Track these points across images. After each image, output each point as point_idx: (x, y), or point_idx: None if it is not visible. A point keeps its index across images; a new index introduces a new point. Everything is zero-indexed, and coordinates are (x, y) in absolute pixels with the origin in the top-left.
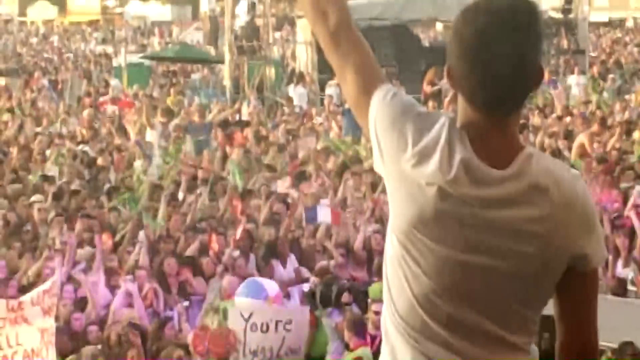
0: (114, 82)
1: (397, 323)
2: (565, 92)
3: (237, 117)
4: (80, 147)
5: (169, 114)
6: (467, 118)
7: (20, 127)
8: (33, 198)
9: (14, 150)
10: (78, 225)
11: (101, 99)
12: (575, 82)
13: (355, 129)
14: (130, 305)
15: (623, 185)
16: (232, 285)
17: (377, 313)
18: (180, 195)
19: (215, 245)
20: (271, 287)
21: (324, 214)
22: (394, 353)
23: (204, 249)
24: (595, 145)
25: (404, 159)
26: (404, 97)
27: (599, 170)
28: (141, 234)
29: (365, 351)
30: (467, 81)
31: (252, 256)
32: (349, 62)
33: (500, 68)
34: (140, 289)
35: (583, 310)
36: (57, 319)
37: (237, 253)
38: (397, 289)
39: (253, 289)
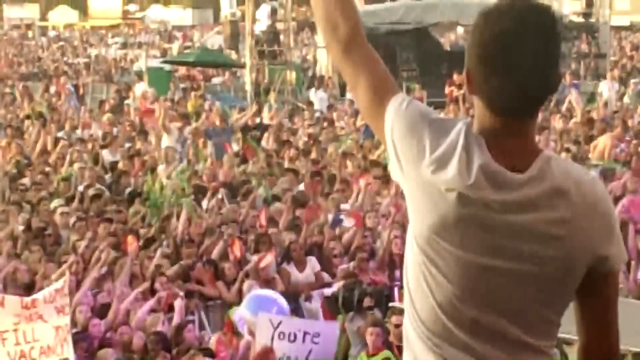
0: (141, 85)
1: (418, 329)
2: (590, 98)
3: (258, 121)
4: (102, 151)
5: (185, 118)
6: (485, 123)
7: (40, 131)
8: (54, 203)
9: (34, 155)
10: (100, 230)
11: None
12: (607, 87)
13: None
14: (154, 311)
15: None
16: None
17: (398, 326)
18: (205, 202)
19: (237, 251)
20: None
21: (347, 222)
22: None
23: (225, 254)
24: (618, 150)
25: (422, 166)
26: (419, 105)
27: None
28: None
29: (388, 353)
30: (486, 85)
31: (272, 261)
32: (361, 74)
33: (521, 73)
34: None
35: (604, 313)
36: (74, 324)
37: (256, 258)
38: (418, 295)
39: (262, 304)
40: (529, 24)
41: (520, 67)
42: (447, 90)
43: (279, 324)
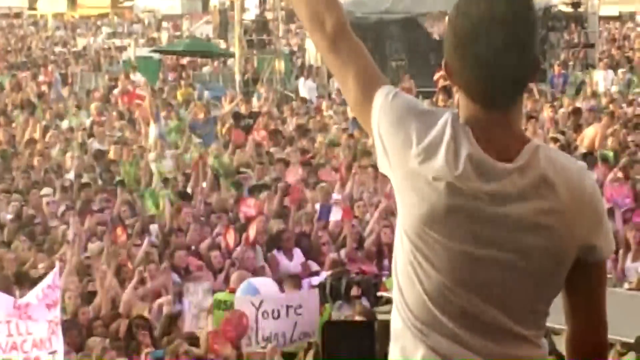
0: (136, 76)
1: (407, 319)
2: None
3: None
4: (90, 140)
5: (169, 106)
6: (469, 113)
7: (27, 121)
8: (43, 191)
9: (22, 144)
10: (89, 219)
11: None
12: (602, 77)
13: None
14: (141, 299)
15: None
16: (241, 279)
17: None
18: (189, 189)
19: (230, 241)
20: (264, 287)
21: (335, 213)
22: (405, 351)
23: (214, 243)
24: (610, 139)
25: (410, 157)
26: (406, 96)
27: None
28: (152, 227)
29: None
30: (462, 76)
31: (259, 249)
32: (348, 68)
33: (495, 59)
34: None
35: (592, 302)
36: (64, 311)
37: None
38: (407, 285)
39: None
40: (498, 11)
41: (490, 55)
42: (435, 77)
43: (261, 303)
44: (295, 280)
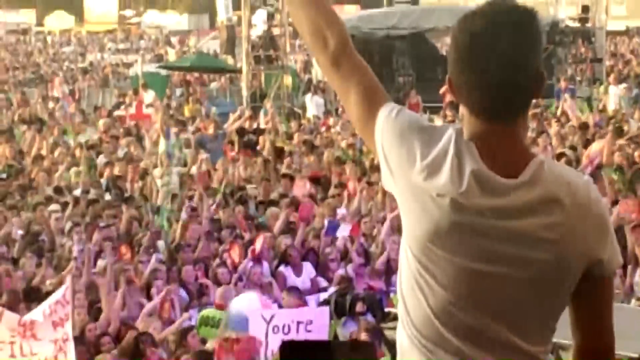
0: (147, 94)
1: (412, 336)
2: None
3: (255, 126)
4: (99, 157)
5: (181, 124)
6: (473, 128)
7: (35, 137)
8: (50, 208)
9: (29, 161)
10: (96, 235)
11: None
12: (614, 92)
13: None
14: (150, 315)
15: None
16: (225, 295)
17: None
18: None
19: (235, 256)
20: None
21: (343, 229)
22: None
23: (220, 259)
24: (617, 155)
25: (414, 174)
26: (409, 113)
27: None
28: (160, 243)
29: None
30: (465, 91)
31: (265, 265)
32: (351, 85)
33: (498, 73)
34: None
35: (599, 317)
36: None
37: (251, 263)
38: (412, 301)
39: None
40: (499, 24)
41: (496, 68)
42: (441, 90)
43: (272, 317)
44: (295, 293)
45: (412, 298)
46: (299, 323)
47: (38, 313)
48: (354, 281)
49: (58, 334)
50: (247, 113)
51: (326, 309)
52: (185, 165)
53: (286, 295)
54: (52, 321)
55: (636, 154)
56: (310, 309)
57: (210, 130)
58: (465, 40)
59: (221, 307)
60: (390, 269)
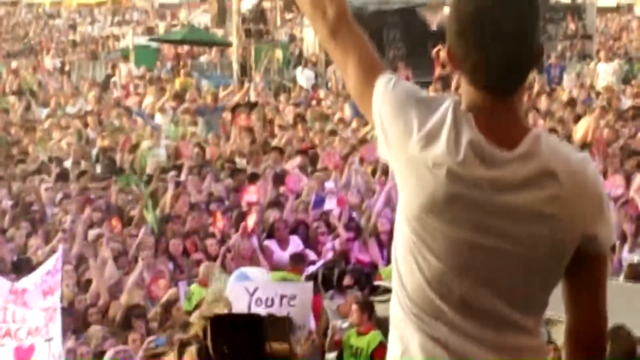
0: (129, 65)
1: (407, 307)
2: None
3: (246, 99)
4: (88, 128)
5: (179, 98)
6: (471, 99)
7: (27, 108)
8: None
9: (18, 132)
10: (87, 207)
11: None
12: (603, 69)
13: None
14: (139, 286)
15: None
16: (208, 271)
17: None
18: (182, 177)
19: (219, 224)
20: (257, 276)
21: (329, 202)
22: (404, 340)
23: (209, 231)
24: (606, 130)
25: (411, 144)
26: (406, 84)
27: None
28: (149, 216)
29: (379, 336)
30: (467, 61)
31: (254, 238)
32: (349, 55)
33: (501, 46)
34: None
35: (593, 294)
36: (60, 299)
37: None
38: (408, 272)
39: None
40: None
41: (496, 41)
42: (433, 53)
43: (255, 290)
44: (297, 258)
45: (407, 269)
46: (282, 297)
47: (29, 281)
48: (349, 255)
49: (48, 302)
50: (244, 87)
51: (310, 285)
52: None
53: (291, 262)
54: (42, 290)
55: (625, 130)
56: (294, 284)
57: (209, 100)
58: (468, 13)
59: (204, 283)
60: (380, 242)
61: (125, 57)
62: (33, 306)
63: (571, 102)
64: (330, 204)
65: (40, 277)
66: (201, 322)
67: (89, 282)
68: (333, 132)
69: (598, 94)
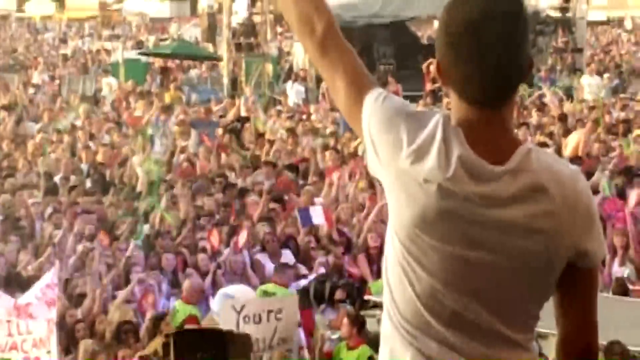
0: (109, 79)
1: (397, 322)
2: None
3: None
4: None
5: (168, 110)
6: (461, 114)
7: (18, 122)
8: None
9: (8, 146)
10: (78, 222)
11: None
12: (587, 82)
13: None
14: (129, 301)
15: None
16: (193, 287)
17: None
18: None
19: (215, 241)
20: (242, 294)
21: (317, 216)
22: (394, 355)
23: (200, 246)
24: (597, 145)
25: (400, 159)
26: (395, 99)
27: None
28: (145, 227)
29: (368, 351)
30: (456, 76)
31: (246, 254)
32: (338, 70)
33: (490, 59)
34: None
35: (583, 308)
36: None
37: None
38: (398, 287)
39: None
40: (493, 11)
41: (486, 54)
42: (423, 67)
43: (242, 307)
44: (281, 269)
45: (397, 283)
46: (269, 312)
47: (30, 295)
48: (342, 269)
49: (51, 313)
50: (237, 102)
51: (295, 297)
52: (172, 153)
53: (276, 273)
54: (45, 301)
55: (614, 144)
56: (280, 298)
57: (202, 114)
58: (458, 25)
59: (188, 300)
60: (370, 257)
61: (106, 72)
62: (38, 316)
63: (562, 118)
64: (317, 218)
65: (40, 290)
66: (159, 339)
67: (80, 296)
68: (325, 147)
69: (592, 108)
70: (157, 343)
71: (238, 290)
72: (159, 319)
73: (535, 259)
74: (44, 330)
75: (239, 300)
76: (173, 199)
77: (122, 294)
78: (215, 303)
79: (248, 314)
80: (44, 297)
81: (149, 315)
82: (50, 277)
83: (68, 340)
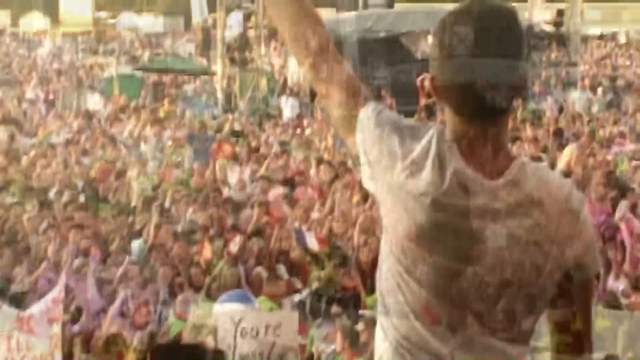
0: (93, 97)
1: (391, 336)
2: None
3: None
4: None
5: (160, 124)
6: (456, 128)
7: (12, 137)
8: (27, 207)
9: (3, 161)
10: (72, 236)
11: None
12: (577, 97)
13: None
14: (122, 315)
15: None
16: (185, 304)
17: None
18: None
19: (207, 253)
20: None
21: (311, 242)
22: None
23: (194, 260)
24: (591, 159)
25: (395, 173)
26: (390, 113)
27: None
28: (134, 244)
29: None
30: (451, 91)
31: (241, 267)
32: (332, 85)
33: (484, 74)
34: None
35: (578, 319)
36: None
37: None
38: (392, 301)
39: (242, 297)
40: (488, 26)
41: (481, 70)
42: (418, 81)
43: (240, 320)
44: (273, 282)
45: (391, 297)
46: (267, 327)
47: (36, 308)
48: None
49: (54, 329)
50: (230, 117)
51: (295, 314)
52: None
53: (268, 285)
54: (48, 317)
55: (609, 157)
56: (280, 313)
57: (197, 128)
58: (452, 41)
59: (181, 316)
60: (364, 272)
61: (92, 88)
62: (38, 332)
63: (557, 133)
64: (312, 242)
65: (46, 304)
66: (134, 354)
67: (77, 310)
68: (319, 160)
69: (589, 121)
70: (132, 357)
71: (236, 302)
72: (153, 334)
73: (529, 272)
74: (45, 347)
75: (237, 312)
76: (165, 212)
77: (112, 309)
78: (215, 309)
79: (245, 326)
80: (48, 312)
81: (145, 330)
82: (58, 291)
83: (64, 353)
